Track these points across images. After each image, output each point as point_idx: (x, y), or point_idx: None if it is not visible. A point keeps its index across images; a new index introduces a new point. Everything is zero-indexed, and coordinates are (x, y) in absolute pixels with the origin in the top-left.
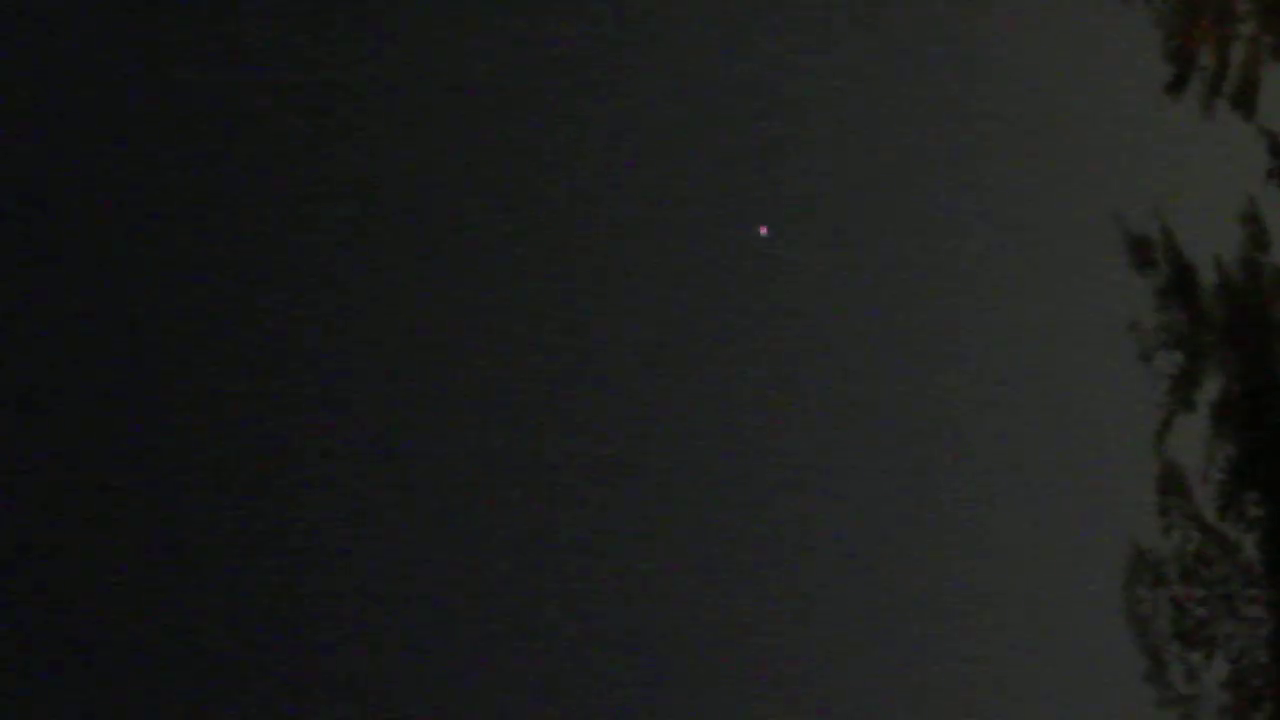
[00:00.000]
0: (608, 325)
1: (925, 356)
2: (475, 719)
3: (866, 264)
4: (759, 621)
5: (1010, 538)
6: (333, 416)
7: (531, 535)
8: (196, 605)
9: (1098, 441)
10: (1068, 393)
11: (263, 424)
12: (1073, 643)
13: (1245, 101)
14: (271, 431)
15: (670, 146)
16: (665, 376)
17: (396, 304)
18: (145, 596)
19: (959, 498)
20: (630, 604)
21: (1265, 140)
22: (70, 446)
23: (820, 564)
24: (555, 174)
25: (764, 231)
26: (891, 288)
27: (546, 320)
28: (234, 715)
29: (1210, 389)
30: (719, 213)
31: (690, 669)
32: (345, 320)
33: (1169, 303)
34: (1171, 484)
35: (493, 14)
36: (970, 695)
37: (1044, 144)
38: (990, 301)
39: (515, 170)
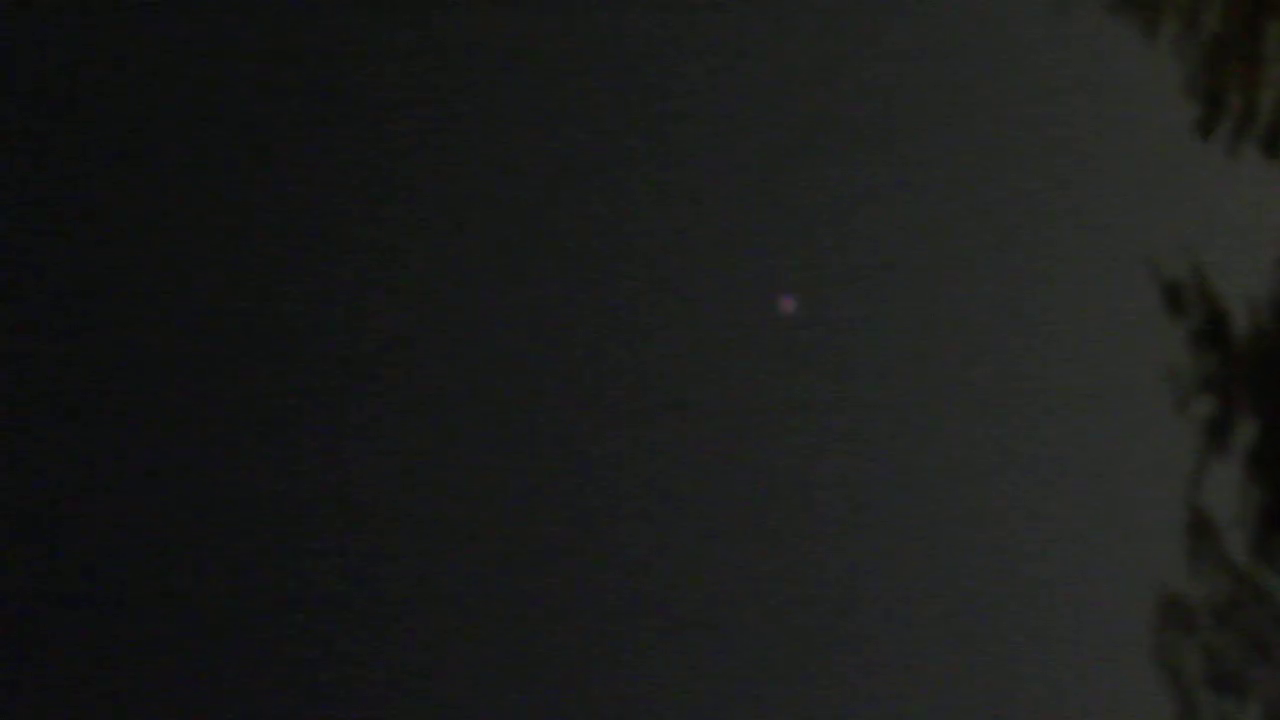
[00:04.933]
0: (616, 324)
1: (953, 402)
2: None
3: (895, 312)
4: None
5: (1040, 582)
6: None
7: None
8: (204, 606)
9: (1128, 486)
10: (1097, 437)
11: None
12: (1104, 689)
13: (1275, 143)
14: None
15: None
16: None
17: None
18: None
19: (987, 544)
20: (669, 603)
21: None
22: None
23: (839, 615)
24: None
25: (789, 304)
26: (919, 334)
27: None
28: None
29: (1244, 434)
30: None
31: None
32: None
33: (1202, 347)
34: (1203, 529)
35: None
36: None
37: (1073, 188)
38: (1021, 347)
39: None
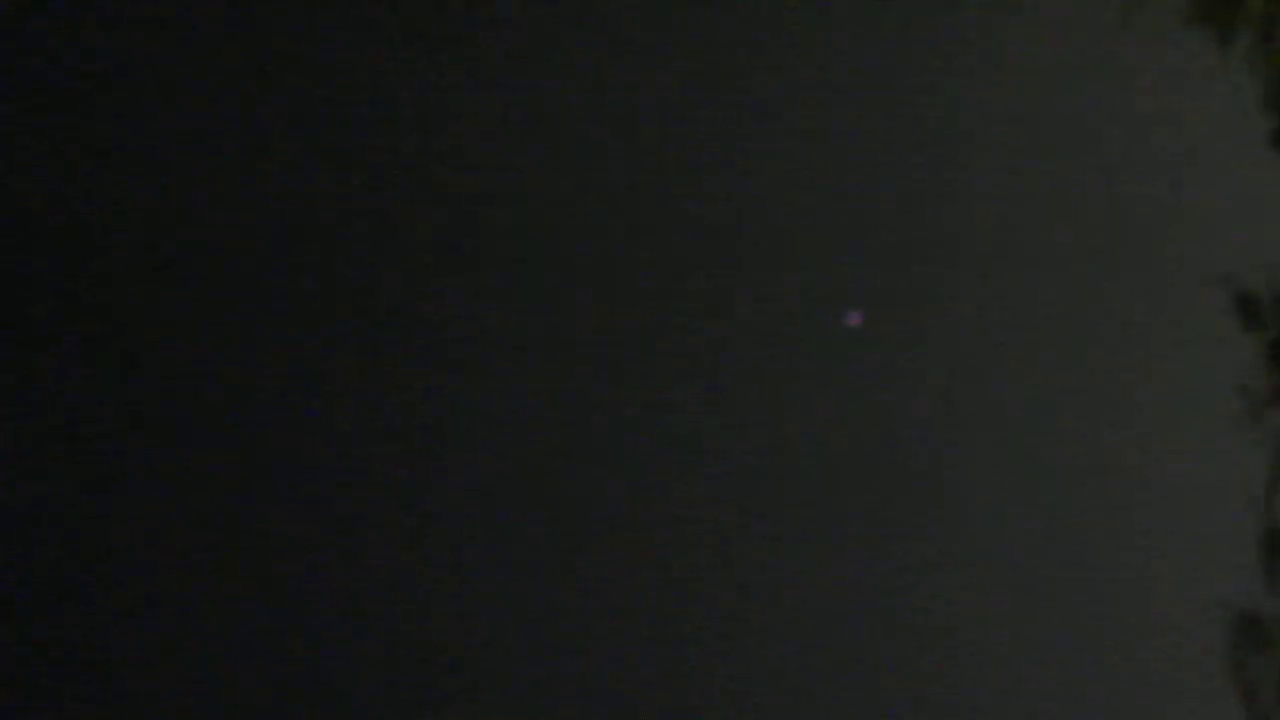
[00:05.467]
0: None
1: (1026, 418)
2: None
3: (968, 326)
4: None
5: (1114, 598)
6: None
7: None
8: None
9: (1202, 501)
10: (1171, 452)
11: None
12: (1179, 706)
13: None
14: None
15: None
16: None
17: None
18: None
19: (1061, 560)
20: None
21: None
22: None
23: (908, 628)
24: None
25: (855, 319)
26: (992, 348)
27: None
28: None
29: None
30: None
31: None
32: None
33: (1276, 361)
34: (1278, 545)
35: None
36: None
37: (1147, 202)
38: (1094, 362)
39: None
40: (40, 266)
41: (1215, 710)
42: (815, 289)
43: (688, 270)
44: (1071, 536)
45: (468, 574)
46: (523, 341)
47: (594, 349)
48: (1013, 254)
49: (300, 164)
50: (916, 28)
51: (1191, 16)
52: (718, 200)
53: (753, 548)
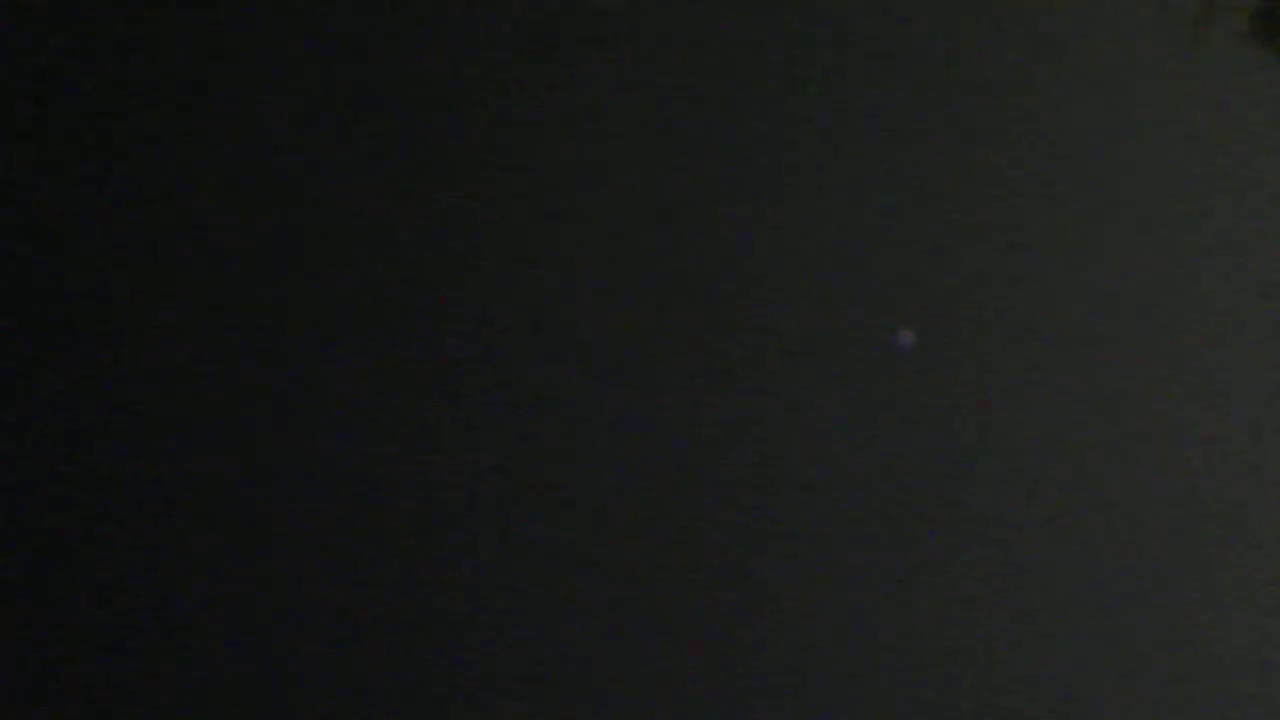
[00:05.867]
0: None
1: (1061, 412)
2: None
3: (1010, 318)
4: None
5: (1148, 593)
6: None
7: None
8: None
9: (1242, 498)
10: (1209, 448)
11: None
12: (1214, 704)
13: None
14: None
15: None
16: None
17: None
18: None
19: (1095, 556)
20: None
21: None
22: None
23: (982, 632)
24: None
25: (905, 340)
26: (1032, 340)
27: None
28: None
29: None
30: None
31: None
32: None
33: None
34: None
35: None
36: None
37: (1198, 205)
38: (1134, 358)
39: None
40: (40, 266)
41: (1219, 709)
42: (817, 290)
43: (689, 271)
44: (1076, 536)
45: (468, 574)
46: (523, 342)
47: (594, 349)
48: (1027, 253)
49: (300, 163)
50: (946, 27)
51: (1256, 32)
52: (721, 200)
53: (753, 548)
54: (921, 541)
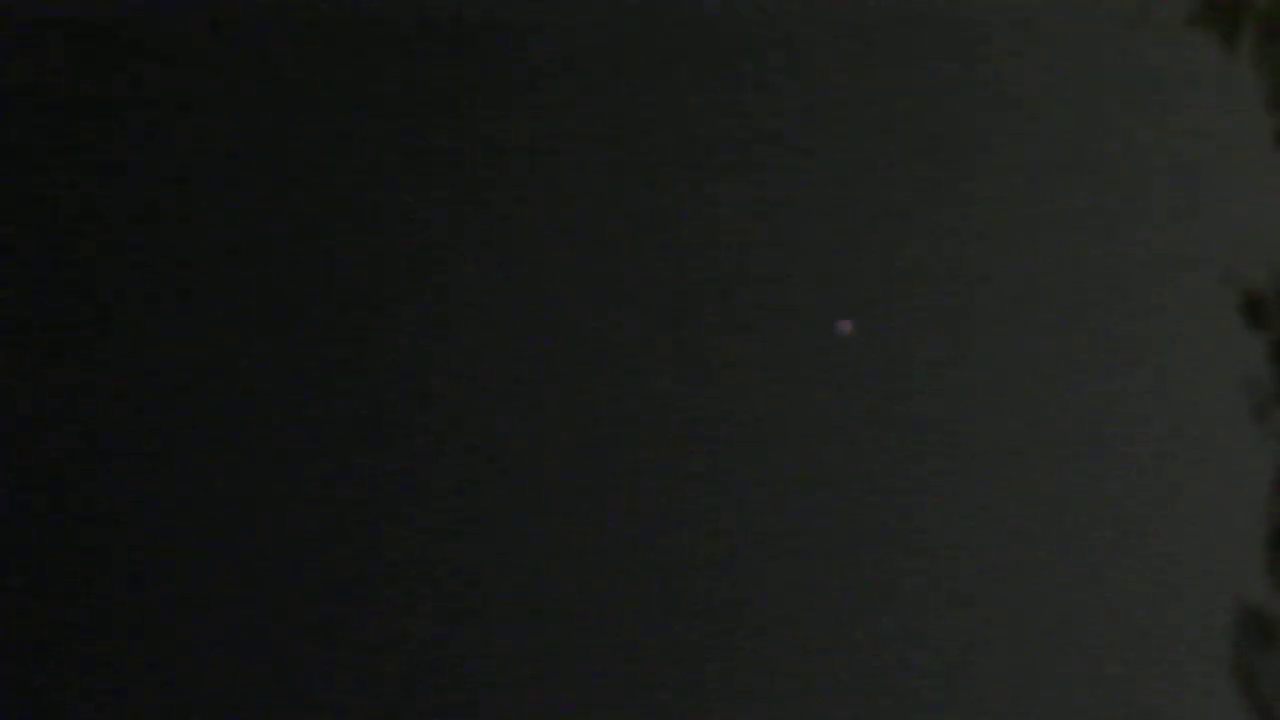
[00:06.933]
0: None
1: (1031, 417)
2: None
3: (972, 327)
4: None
5: (1119, 594)
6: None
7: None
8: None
9: (1207, 498)
10: (1176, 448)
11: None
12: (1183, 702)
13: None
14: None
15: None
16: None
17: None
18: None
19: (1066, 557)
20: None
21: None
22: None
23: (902, 628)
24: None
25: (845, 327)
26: (998, 345)
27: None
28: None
29: None
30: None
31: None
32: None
33: None
34: None
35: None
36: None
37: (1152, 199)
38: (1099, 360)
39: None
40: (40, 267)
41: (1220, 707)
42: (819, 290)
43: (690, 273)
44: (1075, 535)
45: (467, 574)
46: (523, 342)
47: (595, 350)
48: (1017, 254)
49: (300, 164)
50: (922, 32)
51: (1197, 18)
52: (723, 206)
53: (753, 548)
54: (903, 541)
